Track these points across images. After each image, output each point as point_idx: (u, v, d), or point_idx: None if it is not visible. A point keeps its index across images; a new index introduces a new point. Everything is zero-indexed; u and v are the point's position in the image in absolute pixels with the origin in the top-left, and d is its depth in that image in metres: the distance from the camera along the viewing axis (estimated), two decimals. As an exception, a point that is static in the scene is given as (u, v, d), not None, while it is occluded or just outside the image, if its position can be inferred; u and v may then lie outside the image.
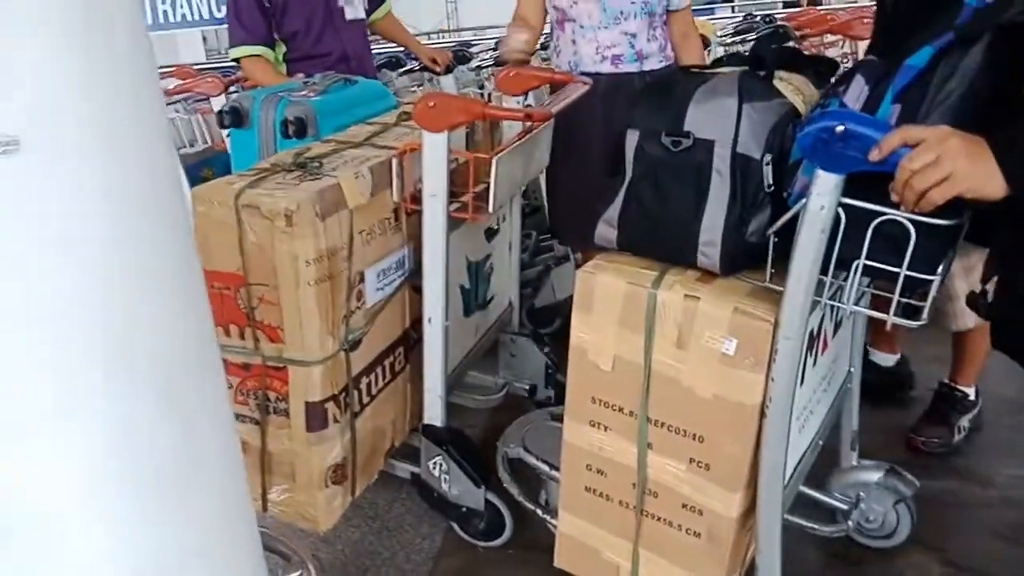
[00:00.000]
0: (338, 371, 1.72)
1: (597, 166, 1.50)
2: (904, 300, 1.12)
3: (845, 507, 1.65)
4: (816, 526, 1.61)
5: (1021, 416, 2.14)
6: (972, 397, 2.06)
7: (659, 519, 1.36)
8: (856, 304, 1.17)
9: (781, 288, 1.17)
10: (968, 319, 1.88)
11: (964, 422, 2.05)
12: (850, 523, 1.63)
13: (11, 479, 0.80)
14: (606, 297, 1.29)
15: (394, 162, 1.72)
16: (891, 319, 1.11)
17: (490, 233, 2.14)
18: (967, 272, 1.80)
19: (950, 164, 0.94)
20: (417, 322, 1.95)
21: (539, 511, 1.67)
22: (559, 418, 1.88)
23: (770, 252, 1.20)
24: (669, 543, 1.36)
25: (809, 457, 1.47)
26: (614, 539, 1.43)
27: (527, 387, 2.30)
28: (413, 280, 1.91)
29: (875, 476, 1.64)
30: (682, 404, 1.27)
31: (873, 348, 2.20)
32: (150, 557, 0.92)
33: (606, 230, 1.34)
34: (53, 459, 0.81)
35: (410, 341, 1.99)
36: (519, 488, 1.73)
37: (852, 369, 1.62)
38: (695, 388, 1.25)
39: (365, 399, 1.84)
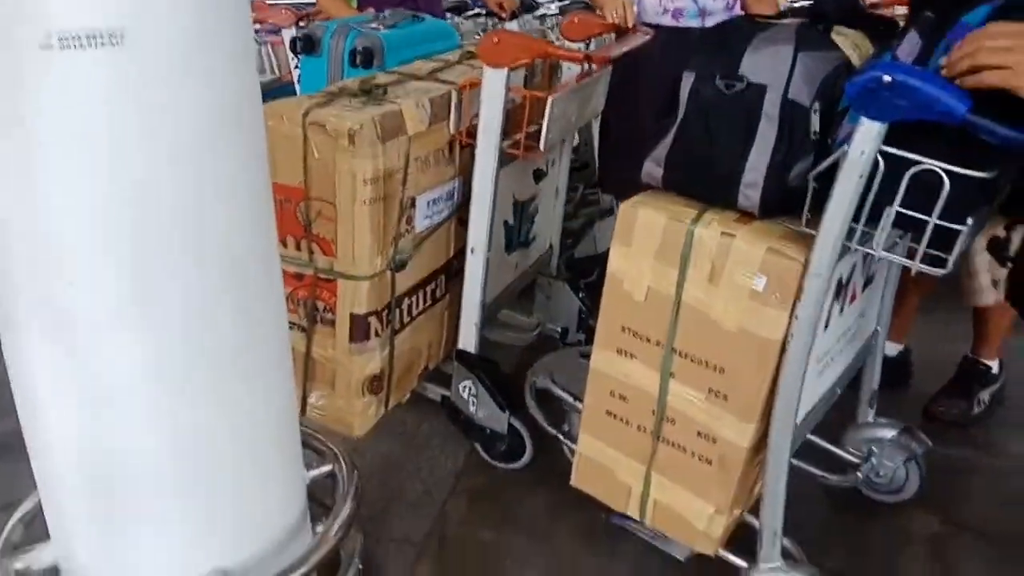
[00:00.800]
0: (383, 289, 1.82)
1: (651, 116, 1.54)
2: (932, 252, 1.16)
3: (857, 460, 1.72)
4: (826, 474, 1.67)
5: (1045, 394, 2.17)
6: (995, 371, 2.07)
7: (674, 444, 1.44)
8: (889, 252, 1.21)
9: (815, 232, 1.22)
10: (988, 296, 1.89)
11: (985, 395, 2.06)
12: (860, 475, 1.69)
13: (89, 361, 0.90)
14: (645, 230, 1.36)
15: (454, 95, 1.79)
16: (916, 266, 1.16)
17: (538, 175, 2.21)
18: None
19: (1019, 57, 0.95)
20: (460, 253, 2.02)
21: (560, 436, 1.77)
22: (588, 356, 1.97)
23: (808, 198, 1.25)
24: (681, 468, 1.44)
25: (825, 403, 1.52)
26: (629, 461, 1.51)
27: (559, 329, 2.39)
28: (460, 213, 1.99)
29: (889, 433, 1.69)
30: (708, 336, 1.34)
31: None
32: (203, 429, 1.02)
33: (653, 168, 1.40)
34: (130, 342, 0.90)
35: (452, 271, 2.08)
36: (543, 415, 1.82)
37: (879, 328, 1.67)
38: (722, 321, 1.31)
39: (405, 319, 1.94)
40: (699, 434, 1.39)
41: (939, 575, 1.62)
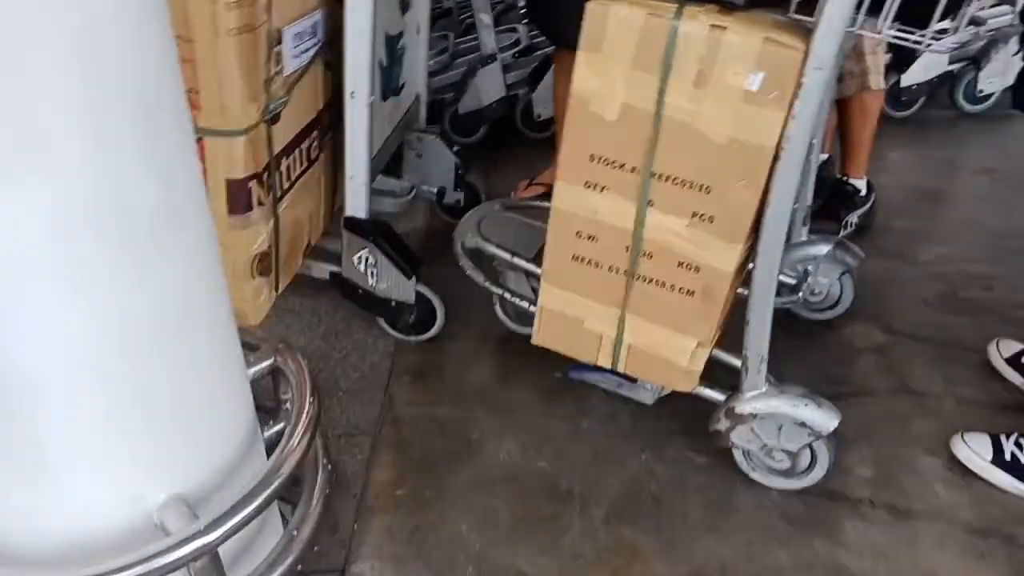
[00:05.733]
0: (260, 145, 1.51)
1: None
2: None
3: (794, 281, 1.69)
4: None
5: (935, 203, 2.31)
6: (863, 194, 2.12)
7: (651, 281, 1.31)
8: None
9: (808, 18, 1.08)
10: (848, 86, 1.92)
11: (853, 218, 2.12)
12: (800, 295, 1.67)
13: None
14: (619, 32, 1.15)
15: None
16: (928, 40, 1.07)
17: (404, 5, 1.89)
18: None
19: None
20: (330, 104, 1.74)
21: (507, 295, 1.58)
22: (511, 208, 1.79)
23: (799, -19, 1.10)
24: (659, 305, 1.32)
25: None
26: (600, 307, 1.37)
27: (435, 190, 2.17)
28: (326, 54, 1.67)
29: (824, 249, 1.69)
30: (692, 153, 1.19)
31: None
32: (126, 318, 0.78)
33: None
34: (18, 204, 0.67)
35: (323, 126, 1.77)
36: (484, 276, 1.63)
37: (814, 140, 1.60)
38: (709, 133, 1.16)
39: (285, 184, 1.63)
40: (680, 265, 1.27)
41: (897, 381, 1.67)
